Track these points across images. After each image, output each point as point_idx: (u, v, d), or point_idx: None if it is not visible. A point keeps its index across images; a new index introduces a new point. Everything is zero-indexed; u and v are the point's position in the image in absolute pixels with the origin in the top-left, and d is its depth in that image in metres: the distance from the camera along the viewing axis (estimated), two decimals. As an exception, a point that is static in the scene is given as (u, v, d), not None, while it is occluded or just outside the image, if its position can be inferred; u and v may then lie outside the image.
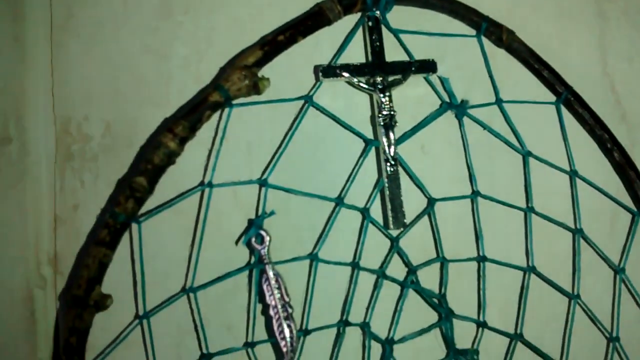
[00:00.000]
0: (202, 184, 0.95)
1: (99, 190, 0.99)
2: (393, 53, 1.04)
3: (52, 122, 1.00)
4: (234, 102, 0.94)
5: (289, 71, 1.01)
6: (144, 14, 1.02)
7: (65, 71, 1.00)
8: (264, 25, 1.01)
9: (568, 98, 1.09)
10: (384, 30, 1.03)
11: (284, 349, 0.94)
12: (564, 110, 1.10)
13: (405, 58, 1.04)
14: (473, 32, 1.08)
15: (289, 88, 1.00)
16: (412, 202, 1.03)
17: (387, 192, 0.99)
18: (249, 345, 0.96)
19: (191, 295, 0.94)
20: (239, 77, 0.94)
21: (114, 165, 0.99)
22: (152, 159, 0.90)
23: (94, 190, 0.99)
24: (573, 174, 1.09)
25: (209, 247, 0.97)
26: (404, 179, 1.02)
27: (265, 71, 0.96)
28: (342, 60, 1.02)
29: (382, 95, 1.01)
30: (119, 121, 1.00)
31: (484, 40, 1.08)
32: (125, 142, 1.00)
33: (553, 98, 1.10)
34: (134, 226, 0.91)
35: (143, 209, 0.91)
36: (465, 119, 1.06)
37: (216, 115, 0.95)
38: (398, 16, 1.04)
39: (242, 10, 1.03)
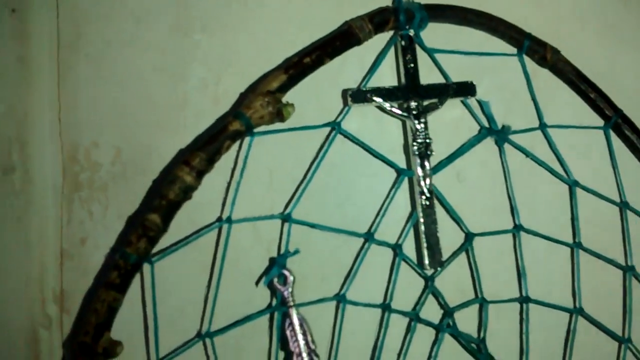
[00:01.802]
0: (219, 219, 0.92)
1: (108, 222, 0.96)
2: (427, 74, 1.01)
3: (59, 149, 0.98)
4: (256, 130, 0.92)
5: (314, 95, 0.99)
6: (157, 31, 1.00)
7: (72, 94, 0.98)
8: (287, 44, 0.99)
9: (618, 122, 1.06)
10: (418, 50, 1.01)
11: None
12: (613, 135, 1.07)
13: (441, 80, 1.01)
14: (514, 50, 1.05)
15: (314, 113, 0.98)
16: (448, 236, 1.00)
17: (422, 228, 0.96)
18: None
19: (207, 340, 0.92)
20: (262, 103, 0.92)
21: (125, 195, 0.97)
22: (167, 195, 0.88)
23: (103, 223, 0.97)
24: (624, 206, 1.06)
25: (227, 288, 0.94)
26: (439, 212, 1.00)
27: (288, 95, 0.94)
28: (372, 82, 0.99)
29: (417, 121, 0.98)
30: (130, 148, 0.98)
31: (526, 59, 1.05)
32: (137, 171, 0.97)
33: (601, 122, 1.07)
34: (146, 266, 0.88)
35: (156, 247, 0.89)
36: (506, 146, 1.03)
37: (236, 144, 0.92)
38: (432, 34, 1.01)
39: (264, 28, 1.00)
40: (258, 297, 0.95)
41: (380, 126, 1.01)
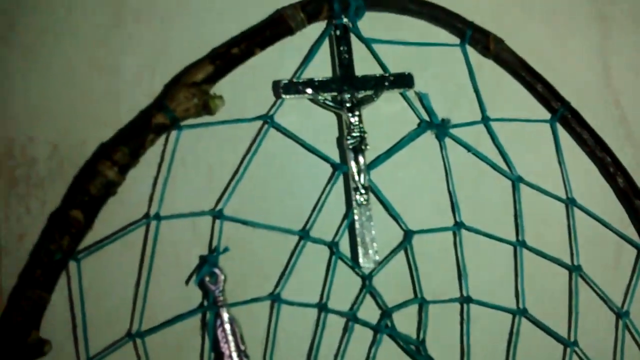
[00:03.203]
0: (147, 216, 1.07)
1: (46, 218, 1.09)
2: (366, 66, 1.16)
3: None
4: (183, 123, 1.05)
5: (252, 87, 1.13)
6: (91, 23, 1.13)
7: (6, 87, 1.11)
8: (223, 35, 1.12)
9: (565, 115, 1.20)
10: (356, 40, 1.15)
11: None
12: (560, 128, 1.21)
13: (379, 71, 1.15)
14: (457, 40, 1.20)
15: (252, 106, 1.12)
16: (386, 234, 1.14)
17: (357, 225, 1.10)
18: None
19: (138, 340, 1.05)
20: (186, 95, 1.04)
21: (63, 190, 1.09)
22: (89, 190, 1.00)
23: (41, 219, 1.09)
24: (570, 202, 1.20)
25: (162, 286, 1.08)
26: (377, 209, 1.13)
27: (224, 87, 1.07)
28: (310, 74, 1.13)
29: (350, 114, 1.11)
30: (66, 142, 1.11)
31: (469, 49, 1.20)
32: (73, 166, 1.10)
33: (548, 115, 1.21)
34: (72, 264, 1.02)
35: (84, 244, 1.03)
36: (448, 140, 1.17)
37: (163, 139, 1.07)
38: (371, 24, 1.15)
39: (200, 18, 1.15)
40: (197, 296, 1.08)
41: (317, 119, 1.15)
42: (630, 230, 1.21)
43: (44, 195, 1.10)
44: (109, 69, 1.13)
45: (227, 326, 1.04)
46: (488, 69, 1.21)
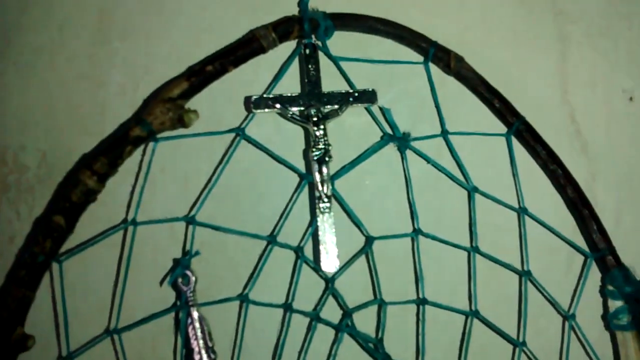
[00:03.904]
0: (125, 221, 1.15)
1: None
2: (334, 82, 1.23)
3: None
4: (159, 135, 1.14)
5: (226, 102, 1.21)
6: (80, 40, 1.23)
7: (1, 99, 1.20)
8: (203, 52, 1.20)
9: (519, 129, 1.26)
10: (325, 57, 1.22)
11: None
12: (515, 142, 1.28)
13: (346, 87, 1.23)
14: (420, 58, 1.26)
15: (226, 120, 1.20)
16: (349, 240, 1.22)
17: (319, 231, 1.18)
18: None
19: (115, 336, 1.13)
20: (162, 110, 1.12)
21: (50, 196, 1.19)
22: (70, 197, 1.09)
23: (30, 222, 1.19)
24: (522, 212, 1.26)
25: (139, 287, 1.17)
26: (341, 216, 1.21)
27: (200, 102, 1.15)
28: (280, 90, 1.20)
29: (316, 128, 1.19)
30: (54, 151, 1.21)
31: (432, 67, 1.26)
32: (61, 173, 1.19)
33: (504, 129, 1.28)
34: (55, 265, 1.11)
35: (65, 247, 1.11)
36: (409, 153, 1.24)
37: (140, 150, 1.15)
38: (340, 42, 1.23)
39: (180, 36, 1.23)
40: (171, 296, 1.17)
41: (287, 132, 1.23)
42: (580, 239, 1.27)
43: (33, 200, 1.20)
44: (95, 83, 1.22)
45: (197, 324, 1.13)
46: (449, 86, 1.27)
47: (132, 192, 1.17)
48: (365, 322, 1.23)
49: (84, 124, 1.21)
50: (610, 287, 1.26)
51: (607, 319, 1.27)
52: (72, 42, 1.23)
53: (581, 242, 1.28)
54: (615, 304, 1.26)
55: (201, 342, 1.12)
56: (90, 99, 1.22)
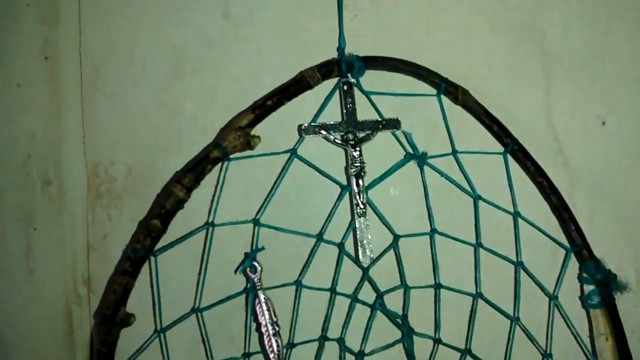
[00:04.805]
0: (206, 223, 1.33)
1: (123, 223, 1.40)
2: (366, 111, 1.41)
3: (84, 166, 1.39)
4: (232, 156, 1.30)
5: (282, 129, 1.38)
6: (158, 74, 1.41)
7: (94, 123, 1.39)
8: (259, 85, 1.37)
9: (514, 149, 1.43)
10: (359, 92, 1.39)
11: (273, 359, 1.32)
12: (510, 159, 1.44)
13: (376, 116, 1.41)
14: (434, 91, 1.43)
15: (281, 142, 1.37)
16: (380, 237, 1.43)
17: (357, 231, 1.38)
18: (247, 355, 1.36)
19: (199, 314, 1.33)
20: (234, 136, 1.30)
21: (135, 202, 1.39)
22: (165, 205, 1.27)
23: (119, 223, 1.40)
24: (516, 215, 1.44)
25: (216, 275, 1.34)
26: (373, 218, 1.41)
27: (262, 129, 1.31)
28: (323, 118, 1.38)
29: (353, 150, 1.39)
30: (139, 165, 1.40)
31: (443, 98, 1.43)
32: (144, 183, 1.40)
33: (501, 149, 1.44)
34: (152, 259, 1.28)
35: (160, 245, 1.28)
36: (426, 168, 1.43)
37: (217, 168, 1.32)
38: (370, 79, 1.40)
39: (241, 73, 1.42)
40: (239, 282, 1.35)
41: (331, 151, 1.42)
42: (562, 236, 1.43)
43: (122, 205, 1.40)
44: (171, 110, 1.40)
45: (263, 303, 1.31)
46: (457, 113, 1.43)
47: (211, 201, 1.34)
48: (393, 302, 1.43)
49: (162, 144, 1.40)
50: (585, 275, 1.42)
51: (583, 299, 1.44)
52: (152, 76, 1.40)
53: (563, 239, 1.43)
54: (588, 288, 1.42)
55: (267, 317, 1.30)
56: (167, 123, 1.40)
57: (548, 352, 1.45)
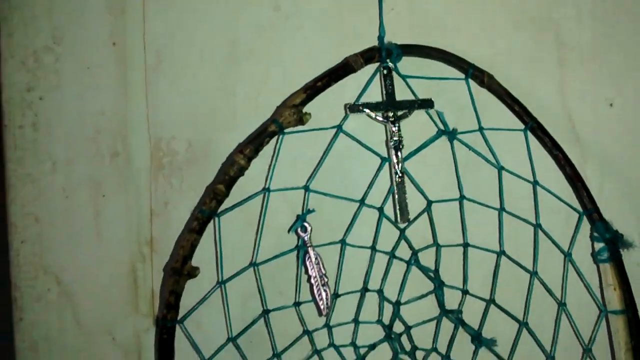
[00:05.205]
0: (263, 189, 1.43)
1: (183, 191, 1.48)
2: (403, 93, 1.52)
3: (148, 141, 1.48)
4: (286, 131, 1.39)
5: (330, 107, 1.48)
6: (215, 60, 1.50)
7: (157, 103, 1.48)
8: (306, 69, 1.46)
9: (533, 127, 1.55)
10: (396, 76, 1.51)
11: (322, 307, 1.45)
12: (530, 136, 1.56)
13: (411, 97, 1.52)
14: (462, 75, 1.55)
15: (327, 119, 1.47)
16: (415, 203, 1.54)
17: (396, 197, 1.50)
18: (297, 304, 1.48)
19: (256, 268, 1.43)
20: (289, 113, 1.39)
21: (194, 173, 1.49)
22: (229, 172, 1.36)
23: (180, 191, 1.48)
24: (535, 184, 1.56)
25: (269, 234, 1.45)
26: (409, 187, 1.52)
27: (312, 107, 1.40)
28: (365, 98, 1.49)
29: (392, 126, 1.50)
30: (197, 141, 1.49)
31: (471, 82, 1.54)
32: (202, 157, 1.48)
33: (522, 126, 1.56)
34: (216, 219, 1.37)
35: (222, 207, 1.37)
36: (456, 142, 1.55)
37: (273, 140, 1.41)
38: (406, 64, 1.51)
39: (289, 59, 1.53)
40: (289, 241, 1.47)
41: (372, 127, 1.52)
42: (575, 202, 1.56)
43: (182, 176, 1.48)
44: (227, 92, 1.49)
45: (313, 258, 1.42)
46: (483, 95, 1.54)
47: (268, 169, 1.42)
48: (426, 259, 1.55)
49: (218, 122, 1.48)
50: (595, 234, 1.55)
51: (594, 256, 1.57)
52: (209, 61, 1.48)
53: (576, 205, 1.56)
54: (598, 246, 1.55)
55: (316, 270, 1.42)
56: (223, 104, 1.49)
57: (563, 301, 1.58)
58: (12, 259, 1.44)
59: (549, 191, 1.58)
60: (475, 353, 1.59)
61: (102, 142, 1.47)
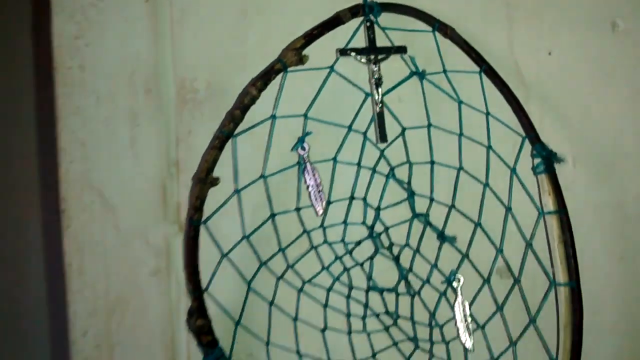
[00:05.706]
0: (271, 116, 1.63)
1: (204, 121, 1.67)
2: (382, 41, 1.73)
3: (174, 81, 1.66)
4: (289, 69, 1.60)
5: (323, 51, 1.67)
6: (230, 15, 1.70)
7: (181, 50, 1.66)
8: (305, 22, 1.65)
9: (486, 69, 1.79)
10: (377, 27, 1.72)
11: (318, 208, 1.68)
12: (484, 77, 1.81)
13: (389, 44, 1.73)
14: (430, 28, 1.78)
15: (322, 61, 1.67)
16: (392, 129, 1.76)
17: (376, 123, 1.73)
18: (298, 209, 1.72)
19: (264, 180, 1.64)
20: (292, 54, 1.60)
21: (213, 106, 1.68)
22: (243, 101, 1.56)
23: (201, 122, 1.67)
24: (487, 114, 1.82)
25: (276, 155, 1.66)
26: (388, 116, 1.74)
27: (310, 50, 1.62)
28: (353, 45, 1.70)
29: (374, 66, 1.73)
30: (215, 81, 1.68)
31: (437, 34, 1.79)
32: (219, 94, 1.67)
33: (477, 69, 1.80)
34: (232, 139, 1.56)
35: (238, 130, 1.56)
36: (425, 82, 1.79)
37: (279, 78, 1.61)
38: (386, 19, 1.74)
39: (292, 15, 1.72)
40: (291, 158, 1.68)
41: (357, 68, 1.74)
42: (520, 130, 1.84)
43: (202, 109, 1.67)
44: (239, 41, 1.70)
45: (311, 171, 1.66)
46: (446, 45, 1.79)
47: (275, 99, 1.64)
48: (401, 174, 1.85)
49: (232, 65, 1.70)
50: (535, 152, 1.84)
51: (533, 169, 1.86)
52: (224, 16, 1.69)
53: (521, 132, 1.83)
54: (537, 161, 1.84)
55: (314, 181, 1.66)
56: (236, 50, 1.70)
57: (509, 206, 1.86)
58: (61, 176, 1.61)
59: (499, 120, 1.84)
60: (439, 248, 1.86)
61: (137, 81, 1.66)
